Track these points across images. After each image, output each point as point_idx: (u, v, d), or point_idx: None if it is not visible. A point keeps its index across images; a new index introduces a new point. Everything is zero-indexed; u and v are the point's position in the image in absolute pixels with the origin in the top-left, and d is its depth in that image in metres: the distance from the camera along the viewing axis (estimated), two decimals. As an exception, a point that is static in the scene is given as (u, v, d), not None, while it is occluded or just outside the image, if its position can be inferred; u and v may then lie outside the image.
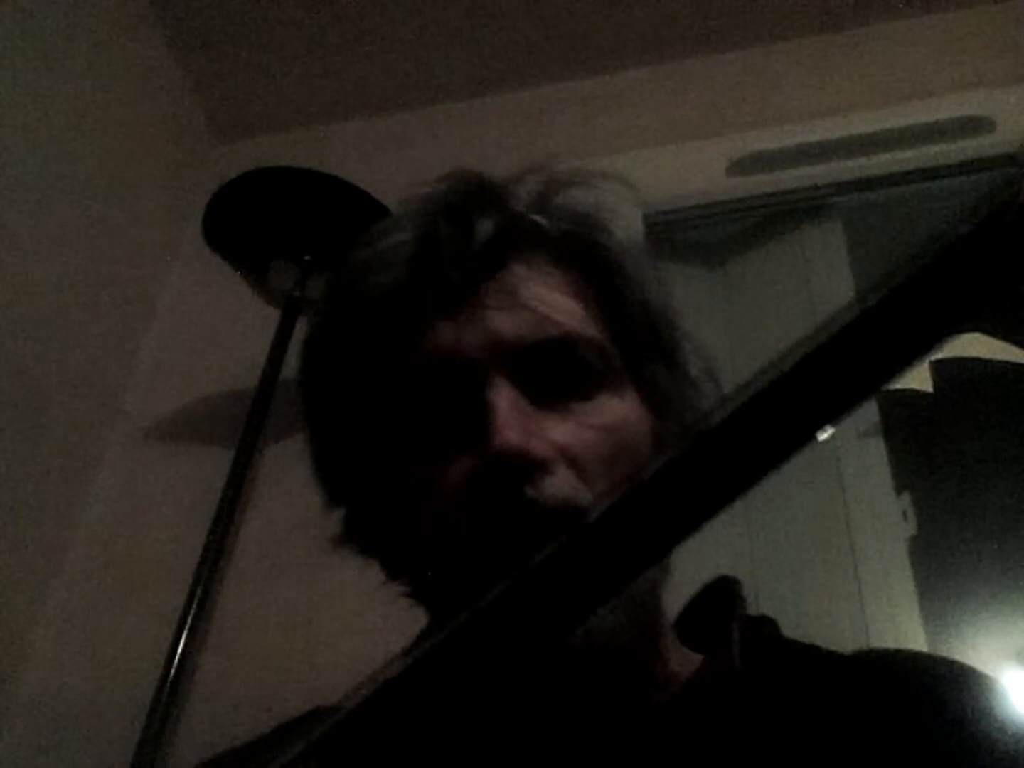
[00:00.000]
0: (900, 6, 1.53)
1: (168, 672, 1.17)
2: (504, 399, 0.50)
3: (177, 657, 1.18)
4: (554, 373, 0.53)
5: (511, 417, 0.49)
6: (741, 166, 1.46)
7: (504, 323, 0.53)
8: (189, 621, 1.21)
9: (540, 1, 1.59)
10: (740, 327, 1.40)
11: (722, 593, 0.62)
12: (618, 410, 0.54)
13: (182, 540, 1.29)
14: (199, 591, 1.23)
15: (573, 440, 0.51)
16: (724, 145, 1.49)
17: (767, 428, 0.30)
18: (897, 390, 1.27)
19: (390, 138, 1.67)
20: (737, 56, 1.60)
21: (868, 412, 1.23)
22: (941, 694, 0.51)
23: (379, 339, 0.55)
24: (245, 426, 1.34)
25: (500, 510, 0.48)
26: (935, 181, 1.40)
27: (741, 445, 0.30)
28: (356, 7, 1.62)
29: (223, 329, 1.52)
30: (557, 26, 1.61)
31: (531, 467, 0.48)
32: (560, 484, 0.49)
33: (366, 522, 0.60)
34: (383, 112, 1.72)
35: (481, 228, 0.55)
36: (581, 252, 0.58)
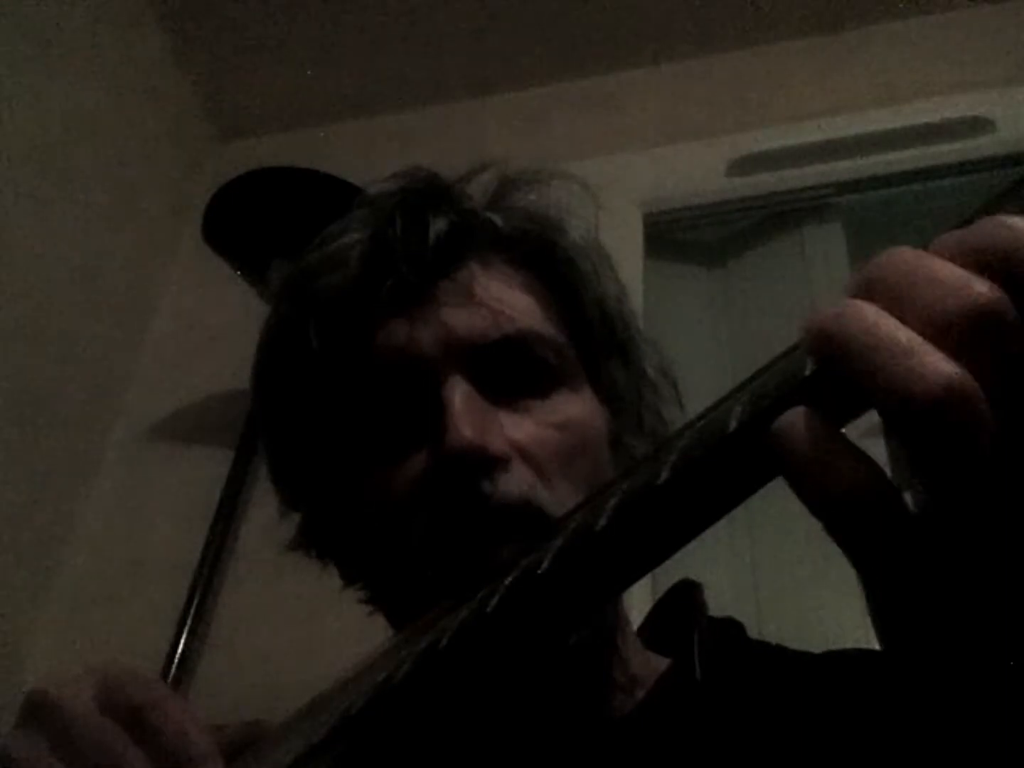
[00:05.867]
0: (900, 6, 1.53)
1: (168, 672, 1.17)
2: (460, 396, 0.49)
3: (177, 657, 1.18)
4: (510, 370, 0.52)
5: (467, 414, 0.48)
6: (741, 166, 1.46)
7: (460, 320, 0.52)
8: (189, 620, 1.21)
9: (540, 1, 1.59)
10: (740, 327, 1.40)
11: (684, 599, 0.61)
12: (575, 407, 0.54)
13: (182, 540, 1.29)
14: (199, 590, 1.23)
15: (530, 437, 0.50)
16: (724, 145, 1.49)
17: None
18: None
19: (390, 138, 1.67)
20: (737, 56, 1.60)
21: (868, 412, 1.23)
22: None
23: (333, 340, 0.54)
24: (245, 426, 1.34)
25: (456, 507, 0.47)
26: (935, 181, 1.40)
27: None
28: (356, 7, 1.62)
29: (223, 329, 1.52)
30: (557, 26, 1.61)
31: (487, 463, 0.47)
32: (516, 481, 0.48)
33: (322, 526, 0.60)
34: (383, 112, 1.72)
35: (435, 226, 0.54)
36: (536, 251, 0.58)
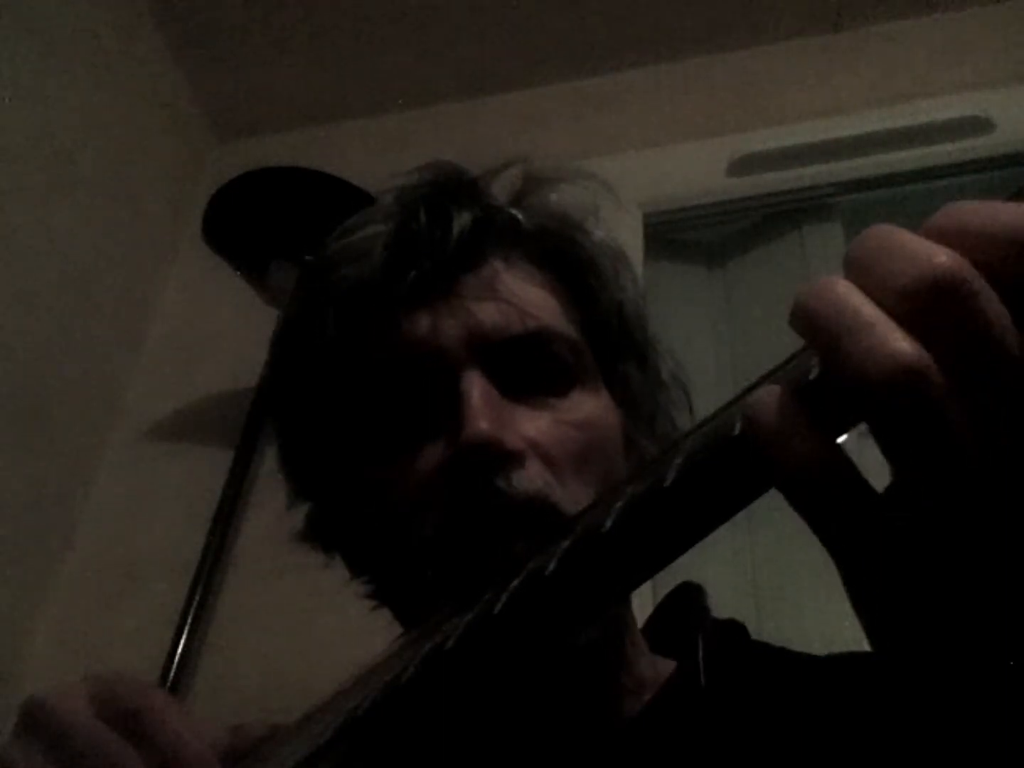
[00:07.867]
0: (900, 6, 1.53)
1: (168, 672, 1.17)
2: (477, 390, 0.49)
3: (177, 657, 1.18)
4: (528, 367, 0.52)
5: (484, 408, 0.48)
6: (741, 166, 1.46)
7: (480, 315, 0.53)
8: (189, 621, 1.21)
9: (540, 1, 1.59)
10: (740, 327, 1.40)
11: (686, 602, 0.61)
12: (591, 407, 0.54)
13: (182, 540, 1.29)
14: (199, 591, 1.23)
15: (545, 434, 0.50)
16: (724, 145, 1.49)
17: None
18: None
19: (390, 138, 1.67)
20: (737, 56, 1.60)
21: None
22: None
23: (352, 329, 0.54)
24: (245, 426, 1.34)
25: (469, 501, 0.47)
26: (935, 181, 1.40)
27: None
28: (356, 7, 1.62)
29: (223, 329, 1.52)
30: (557, 26, 1.61)
31: (503, 458, 0.47)
32: (531, 477, 0.48)
33: (332, 517, 0.60)
34: (383, 112, 1.72)
35: (459, 220, 0.54)
36: (557, 249, 0.58)
